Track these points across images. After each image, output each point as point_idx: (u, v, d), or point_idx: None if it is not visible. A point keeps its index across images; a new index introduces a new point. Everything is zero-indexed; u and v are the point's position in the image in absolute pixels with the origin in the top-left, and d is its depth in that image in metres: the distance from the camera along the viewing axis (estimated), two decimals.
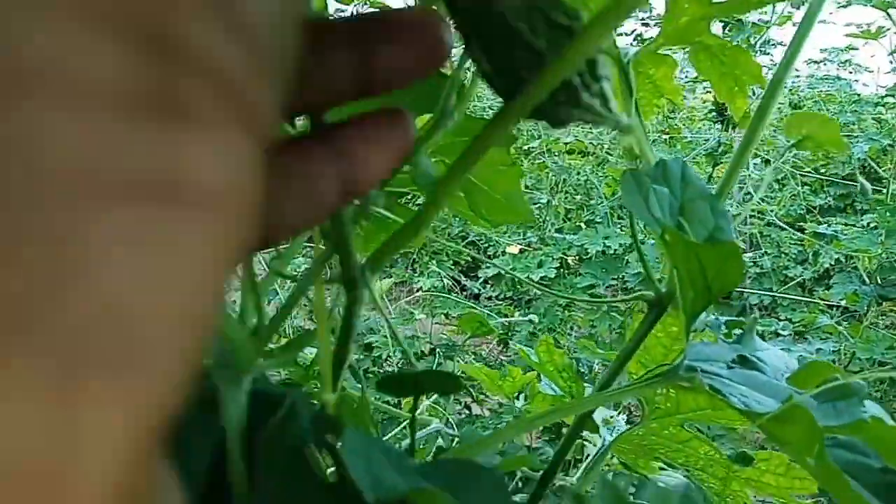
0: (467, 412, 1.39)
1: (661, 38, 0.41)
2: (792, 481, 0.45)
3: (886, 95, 2.19)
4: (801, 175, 1.79)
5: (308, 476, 0.22)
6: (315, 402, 0.26)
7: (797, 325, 1.91)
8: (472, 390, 1.60)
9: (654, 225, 0.36)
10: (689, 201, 0.40)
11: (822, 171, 1.90)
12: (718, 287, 0.35)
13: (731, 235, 0.40)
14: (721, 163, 1.63)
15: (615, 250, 1.70)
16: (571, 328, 1.72)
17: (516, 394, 0.89)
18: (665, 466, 0.59)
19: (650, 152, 0.42)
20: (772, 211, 1.79)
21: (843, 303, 1.74)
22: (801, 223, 1.97)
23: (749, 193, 1.56)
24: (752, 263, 2.28)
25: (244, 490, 0.23)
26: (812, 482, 0.46)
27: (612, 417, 0.55)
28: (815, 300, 1.74)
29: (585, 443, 0.65)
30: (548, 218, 1.82)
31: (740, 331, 0.42)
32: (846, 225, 1.86)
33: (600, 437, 0.52)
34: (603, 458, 0.58)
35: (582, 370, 1.33)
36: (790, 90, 2.03)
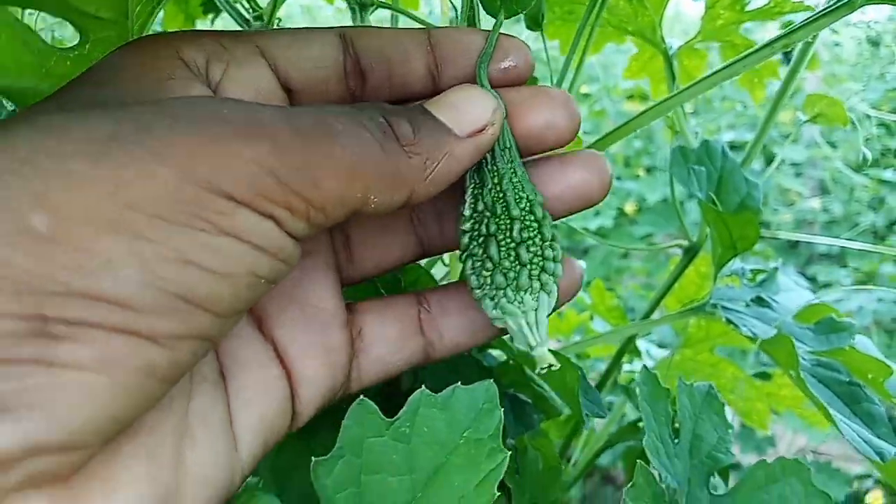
0: None
1: (699, 35, 0.54)
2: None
3: None
4: (877, 117, 1.84)
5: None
6: None
7: (863, 273, 2.00)
8: None
9: (694, 195, 0.50)
10: (726, 173, 0.54)
11: None
12: (741, 245, 0.49)
13: (759, 201, 0.54)
14: None
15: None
16: (630, 277, 1.85)
17: (572, 333, 1.05)
18: None
19: (686, 129, 0.56)
20: (841, 155, 1.86)
21: None
22: (875, 167, 2.03)
23: (817, 142, 1.64)
24: (822, 210, 2.35)
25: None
26: None
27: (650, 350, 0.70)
28: (883, 249, 1.82)
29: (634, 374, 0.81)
30: None
31: (763, 275, 0.56)
32: None
33: (643, 364, 0.67)
34: None
35: (634, 317, 1.47)
36: (868, 25, 2.05)
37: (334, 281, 0.27)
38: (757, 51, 0.38)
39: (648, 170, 2.04)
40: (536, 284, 0.24)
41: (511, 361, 0.40)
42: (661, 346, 1.05)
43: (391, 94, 0.26)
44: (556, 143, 0.26)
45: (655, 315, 0.59)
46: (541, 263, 0.25)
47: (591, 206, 0.27)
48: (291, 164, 0.20)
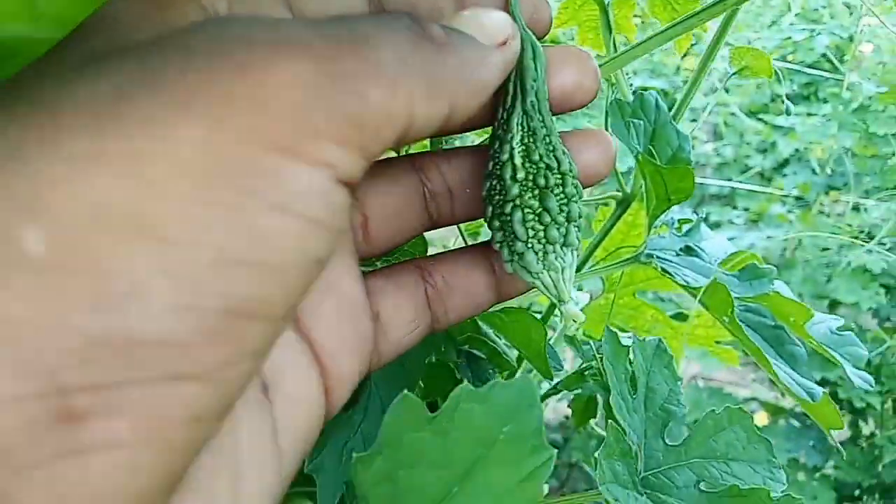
0: None
1: None
2: (717, 331, 0.64)
3: None
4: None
5: None
6: None
7: (752, 213, 2.14)
8: None
9: (632, 149, 0.50)
10: (660, 126, 0.55)
11: (789, 59, 2.05)
12: (675, 198, 0.51)
13: (689, 154, 0.55)
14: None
15: None
16: None
17: None
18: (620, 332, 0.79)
19: (624, 81, 0.56)
20: (735, 101, 1.95)
21: (795, 192, 1.95)
22: (765, 113, 2.15)
23: (716, 88, 1.70)
24: (714, 154, 2.47)
25: None
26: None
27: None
28: (771, 190, 1.95)
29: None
30: None
31: (689, 225, 0.58)
32: (808, 114, 2.05)
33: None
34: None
35: None
36: None
37: (357, 265, 0.25)
38: (705, 9, 0.38)
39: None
40: (577, 242, 0.25)
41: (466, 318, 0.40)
42: (579, 288, 1.08)
43: None
44: (581, 103, 0.25)
45: (589, 263, 0.60)
46: (579, 222, 0.25)
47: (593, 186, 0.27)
48: (336, 77, 0.16)
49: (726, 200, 2.65)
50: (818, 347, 0.47)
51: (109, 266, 0.14)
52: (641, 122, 0.51)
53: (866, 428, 1.33)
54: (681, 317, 0.74)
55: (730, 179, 2.37)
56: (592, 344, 0.47)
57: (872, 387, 0.45)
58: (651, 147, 0.52)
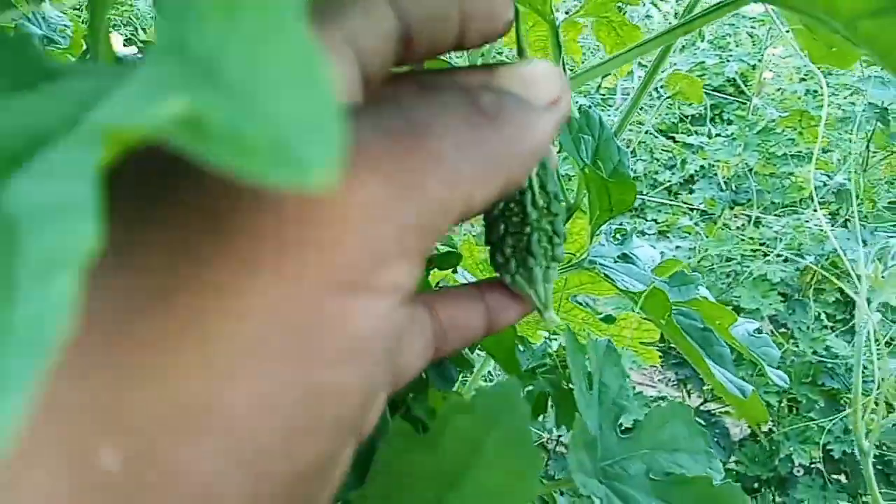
0: None
1: (582, 10, 0.58)
2: (642, 333, 0.69)
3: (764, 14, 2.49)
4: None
5: None
6: None
7: (661, 224, 2.26)
8: None
9: (580, 162, 0.54)
10: (603, 142, 0.58)
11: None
12: (618, 208, 0.54)
13: (628, 168, 0.59)
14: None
15: None
16: None
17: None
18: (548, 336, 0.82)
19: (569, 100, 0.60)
20: (647, 119, 2.05)
21: (702, 206, 2.08)
22: (674, 132, 2.27)
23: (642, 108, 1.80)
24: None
25: None
26: (654, 332, 0.69)
27: None
28: (679, 203, 2.06)
29: None
30: None
31: (623, 235, 0.62)
32: (715, 135, 2.18)
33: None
34: None
35: None
36: (676, 1, 2.27)
37: None
38: (659, 36, 0.41)
39: None
40: (563, 258, 0.28)
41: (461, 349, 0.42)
42: None
43: (426, 55, 0.22)
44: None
45: None
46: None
47: None
48: (401, 187, 0.15)
49: (637, 212, 2.78)
50: (740, 348, 0.51)
51: (181, 471, 0.13)
52: (589, 137, 0.55)
53: (765, 425, 1.44)
54: (609, 319, 0.78)
55: (642, 193, 2.49)
56: (548, 342, 0.49)
57: (787, 384, 0.50)
58: (596, 161, 0.55)
